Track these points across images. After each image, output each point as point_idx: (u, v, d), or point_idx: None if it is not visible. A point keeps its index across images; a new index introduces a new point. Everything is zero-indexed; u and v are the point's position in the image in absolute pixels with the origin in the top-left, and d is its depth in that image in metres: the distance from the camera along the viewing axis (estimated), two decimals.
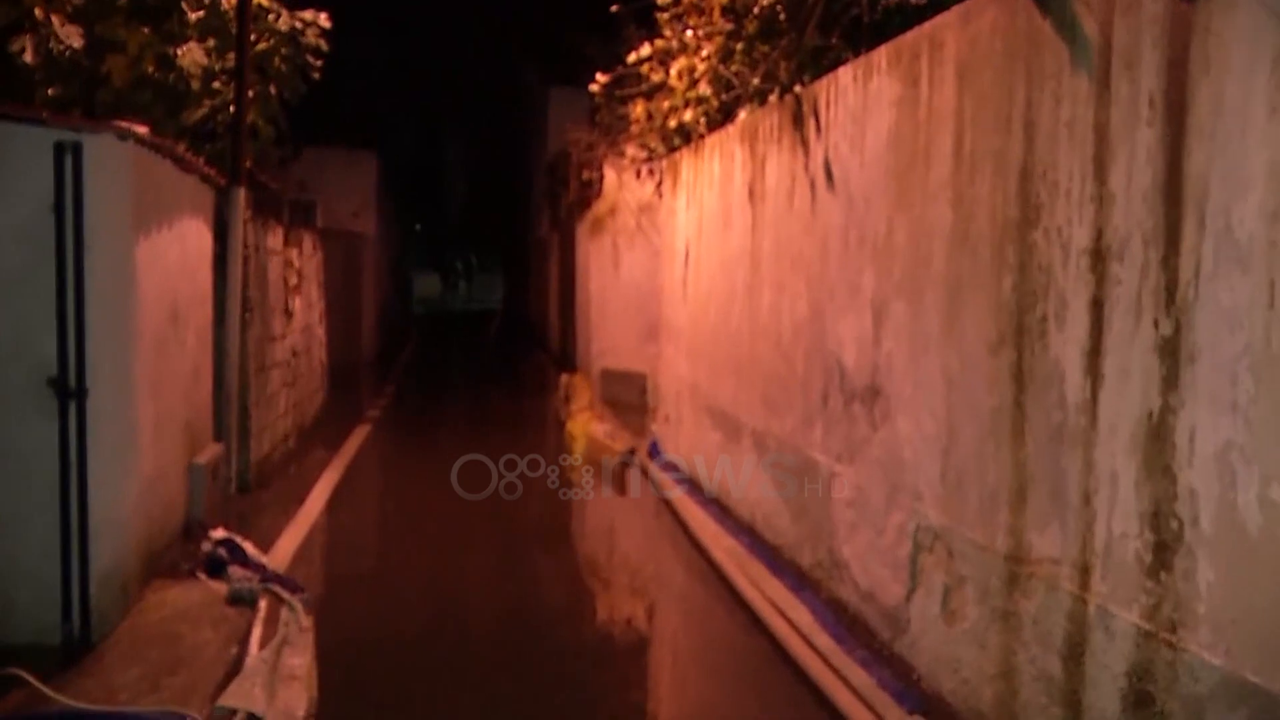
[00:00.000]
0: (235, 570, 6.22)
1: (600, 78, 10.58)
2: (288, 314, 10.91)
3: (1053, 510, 3.76)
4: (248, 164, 8.34)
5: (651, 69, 9.65)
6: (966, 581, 4.36)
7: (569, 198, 17.79)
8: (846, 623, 5.54)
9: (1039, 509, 3.85)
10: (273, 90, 8.84)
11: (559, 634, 6.24)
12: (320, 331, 13.76)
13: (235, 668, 4.92)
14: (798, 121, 6.52)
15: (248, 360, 8.58)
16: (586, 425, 12.10)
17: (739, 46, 7.82)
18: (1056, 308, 3.76)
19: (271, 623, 5.55)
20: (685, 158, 9.63)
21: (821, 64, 6.58)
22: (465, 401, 17.15)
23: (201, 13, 8.01)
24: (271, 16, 8.74)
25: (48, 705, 4.35)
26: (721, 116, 8.52)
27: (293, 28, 8.83)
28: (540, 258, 25.68)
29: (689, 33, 8.74)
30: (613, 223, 14.40)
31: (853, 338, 5.64)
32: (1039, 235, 3.88)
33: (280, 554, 6.97)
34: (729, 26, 7.97)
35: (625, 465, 10.52)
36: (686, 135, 9.40)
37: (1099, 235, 3.54)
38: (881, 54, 5.34)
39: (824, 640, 5.38)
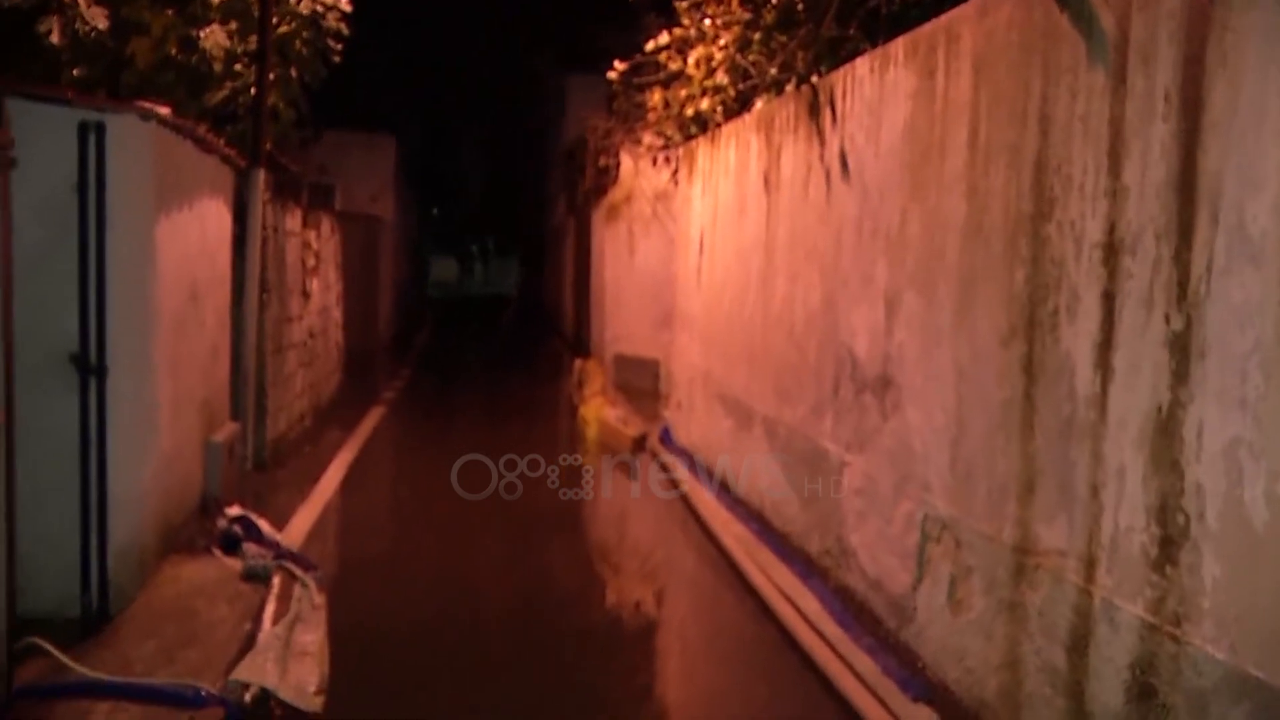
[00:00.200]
0: (250, 547, 6.29)
1: (618, 65, 10.60)
2: (305, 295, 10.98)
3: (1060, 502, 3.78)
4: (268, 146, 8.40)
5: (669, 57, 9.66)
6: (973, 572, 4.39)
7: (585, 184, 17.81)
8: (853, 610, 5.57)
9: (1047, 501, 3.87)
10: (293, 73, 8.89)
11: (569, 616, 6.29)
12: (337, 313, 13.84)
13: (249, 643, 4.98)
14: (814, 112, 6.53)
15: (265, 340, 8.65)
16: (599, 411, 12.15)
17: (757, 36, 7.84)
18: (1068, 301, 3.78)
19: (285, 599, 5.61)
20: (701, 146, 9.65)
21: (839, 55, 6.59)
22: (479, 385, 17.22)
23: None
24: (293, 0, 8.78)
25: (67, 675, 4.43)
26: (738, 105, 8.53)
27: (314, 11, 8.88)
28: (556, 243, 25.73)
29: (707, 22, 8.75)
30: (628, 210, 14.41)
31: (865, 328, 5.67)
32: (1052, 228, 3.89)
33: (294, 532, 7.06)
34: (747, 16, 7.98)
35: (637, 451, 10.57)
36: (703, 124, 9.42)
37: (1112, 229, 3.54)
38: (898, 46, 5.35)
39: (831, 627, 5.42)
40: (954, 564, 4.56)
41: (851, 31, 6.61)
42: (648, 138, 11.99)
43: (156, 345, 5.61)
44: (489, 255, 55.02)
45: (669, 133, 10.68)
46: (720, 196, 8.98)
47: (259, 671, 4.59)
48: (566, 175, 21.71)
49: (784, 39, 7.46)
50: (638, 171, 13.79)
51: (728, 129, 8.72)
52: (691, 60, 8.99)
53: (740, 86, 8.37)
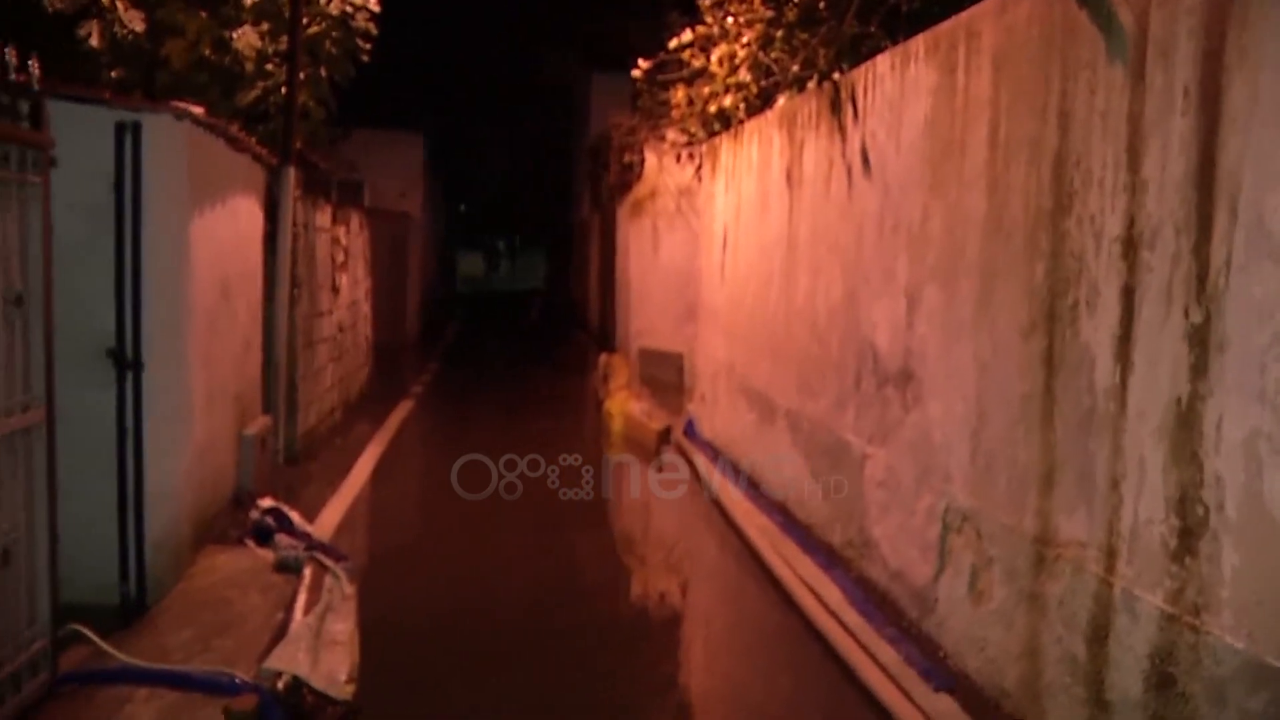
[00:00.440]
0: (282, 538, 6.39)
1: (642, 63, 10.66)
2: (335, 291, 11.09)
3: (1080, 494, 3.81)
4: (298, 144, 8.50)
5: (692, 55, 9.72)
6: (994, 563, 4.42)
7: (610, 180, 17.86)
8: (876, 601, 5.61)
9: (1067, 493, 3.90)
10: (323, 73, 8.99)
11: (595, 605, 6.36)
12: (366, 308, 13.95)
13: (281, 632, 5.07)
14: (835, 108, 6.57)
15: (296, 335, 8.75)
16: (624, 404, 12.21)
17: (779, 34, 7.87)
18: (1088, 295, 3.81)
19: (316, 589, 5.69)
20: (725, 143, 9.69)
21: (860, 52, 6.62)
22: (506, 379, 17.30)
23: None
24: (323, 1, 8.88)
25: (107, 661, 4.54)
26: (761, 102, 8.57)
27: (343, 12, 8.98)
28: (581, 239, 25.80)
29: (730, 19, 8.79)
30: (653, 205, 14.46)
31: (886, 322, 5.70)
32: (1072, 223, 3.92)
33: (325, 523, 7.15)
34: (769, 14, 8.01)
35: (662, 444, 10.64)
36: (726, 120, 9.46)
37: (1131, 224, 3.58)
38: (919, 42, 5.38)
39: (853, 618, 5.46)
40: (975, 555, 4.59)
41: (873, 29, 6.63)
42: (671, 134, 12.03)
43: (191, 340, 5.71)
44: (515, 251, 55.15)
45: (692, 129, 10.71)
46: (743, 192, 9.02)
47: (291, 660, 4.65)
48: (591, 172, 21.77)
49: (806, 36, 7.50)
50: (662, 168, 13.84)
51: (750, 126, 8.76)
52: (714, 58, 9.04)
53: (763, 83, 8.41)
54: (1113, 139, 3.68)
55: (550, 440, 11.43)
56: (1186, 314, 3.30)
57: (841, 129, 6.48)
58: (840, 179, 6.50)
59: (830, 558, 6.37)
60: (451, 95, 31.37)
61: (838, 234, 6.55)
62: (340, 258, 11.40)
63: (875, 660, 4.95)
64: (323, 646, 4.90)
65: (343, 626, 5.20)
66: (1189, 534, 3.26)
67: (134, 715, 4.17)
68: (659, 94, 11.35)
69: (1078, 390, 3.85)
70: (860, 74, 6.20)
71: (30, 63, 3.90)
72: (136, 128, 5.14)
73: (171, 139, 5.41)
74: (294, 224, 8.41)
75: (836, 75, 6.67)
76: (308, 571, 5.93)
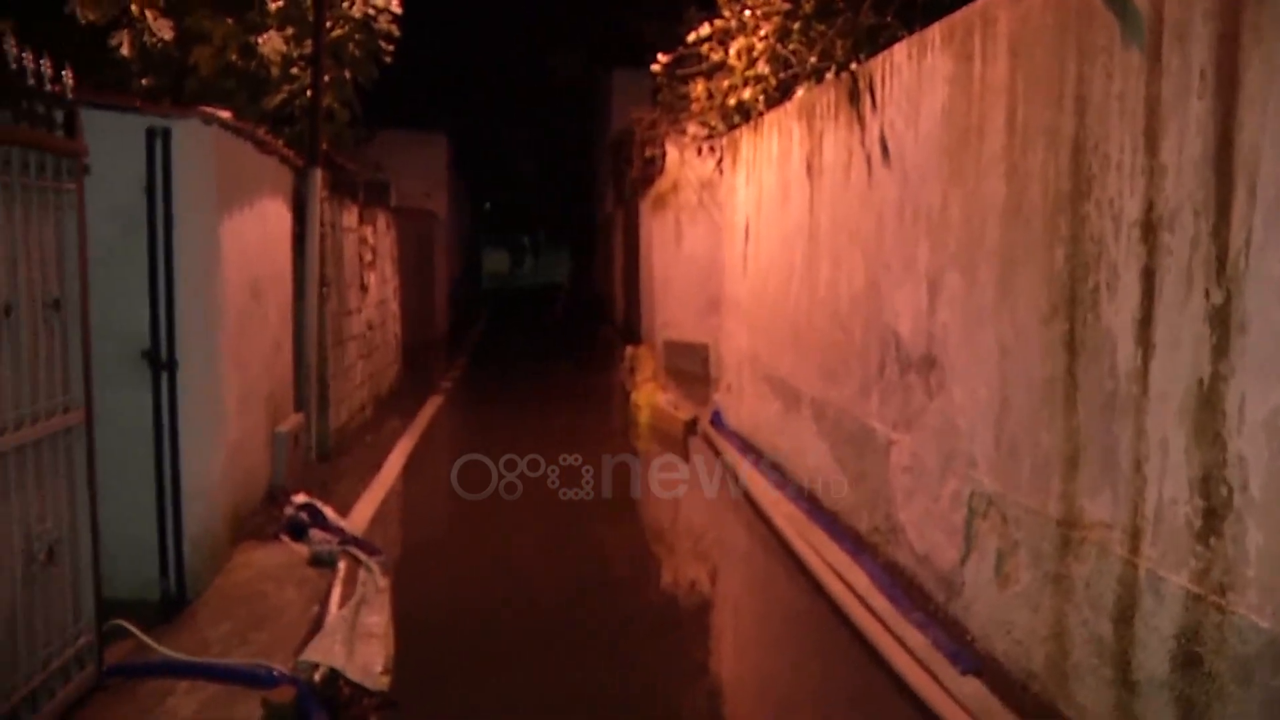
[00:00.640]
0: (316, 533, 6.48)
1: (661, 58, 10.72)
2: (363, 289, 11.19)
3: (1104, 476, 3.83)
4: (324, 146, 8.58)
5: (711, 49, 9.74)
6: (1020, 546, 4.45)
7: (632, 175, 17.92)
8: (903, 586, 5.65)
9: (1091, 475, 3.92)
10: (347, 75, 9.08)
11: (626, 593, 6.42)
12: (394, 306, 14.07)
13: (317, 625, 5.15)
14: (854, 99, 6.59)
15: (325, 334, 8.85)
16: (651, 395, 12.27)
17: (796, 25, 7.90)
18: (1108, 278, 3.82)
19: (350, 583, 5.77)
20: (745, 135, 9.72)
21: (877, 42, 6.64)
22: (534, 373, 17.39)
23: (281, 2, 8.28)
24: (346, 4, 8.97)
25: (150, 655, 4.65)
26: (780, 94, 8.60)
27: (366, 14, 9.06)
28: (605, 233, 25.86)
29: (747, 13, 8.81)
30: (675, 199, 14.52)
31: (908, 309, 5.73)
32: (1091, 207, 3.94)
33: (358, 518, 7.24)
34: (786, 6, 8.04)
35: (689, 434, 10.69)
36: (746, 113, 9.49)
37: (1150, 207, 3.59)
38: (935, 31, 5.39)
39: (881, 603, 5.50)
40: (1001, 538, 4.62)
41: (889, 19, 6.65)
42: (692, 128, 12.05)
43: (223, 340, 5.81)
44: (540, 247, 55.28)
45: (713, 123, 10.74)
46: (764, 184, 9.05)
47: (327, 652, 4.73)
48: (614, 167, 21.83)
49: (823, 28, 7.52)
50: (683, 161, 13.88)
51: (770, 118, 8.78)
52: (733, 51, 9.07)
53: (781, 75, 8.43)
54: (1130, 122, 3.69)
55: (578, 432, 11.52)
56: (1207, 295, 3.31)
57: (860, 119, 6.50)
58: (860, 168, 6.52)
59: (857, 543, 6.41)
60: (475, 94, 31.53)
61: (858, 223, 6.58)
62: (368, 257, 11.50)
63: (903, 644, 4.99)
64: (358, 639, 4.98)
65: (377, 619, 5.28)
66: (1213, 514, 3.28)
67: (176, 707, 4.26)
68: (679, 88, 11.37)
69: (1100, 373, 3.87)
70: (877, 64, 6.22)
71: (64, 73, 3.98)
72: (166, 133, 5.24)
73: (200, 143, 5.51)
74: (321, 224, 8.50)
75: (854, 66, 6.69)
76: (342, 565, 6.01)
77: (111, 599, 4.58)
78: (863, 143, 6.46)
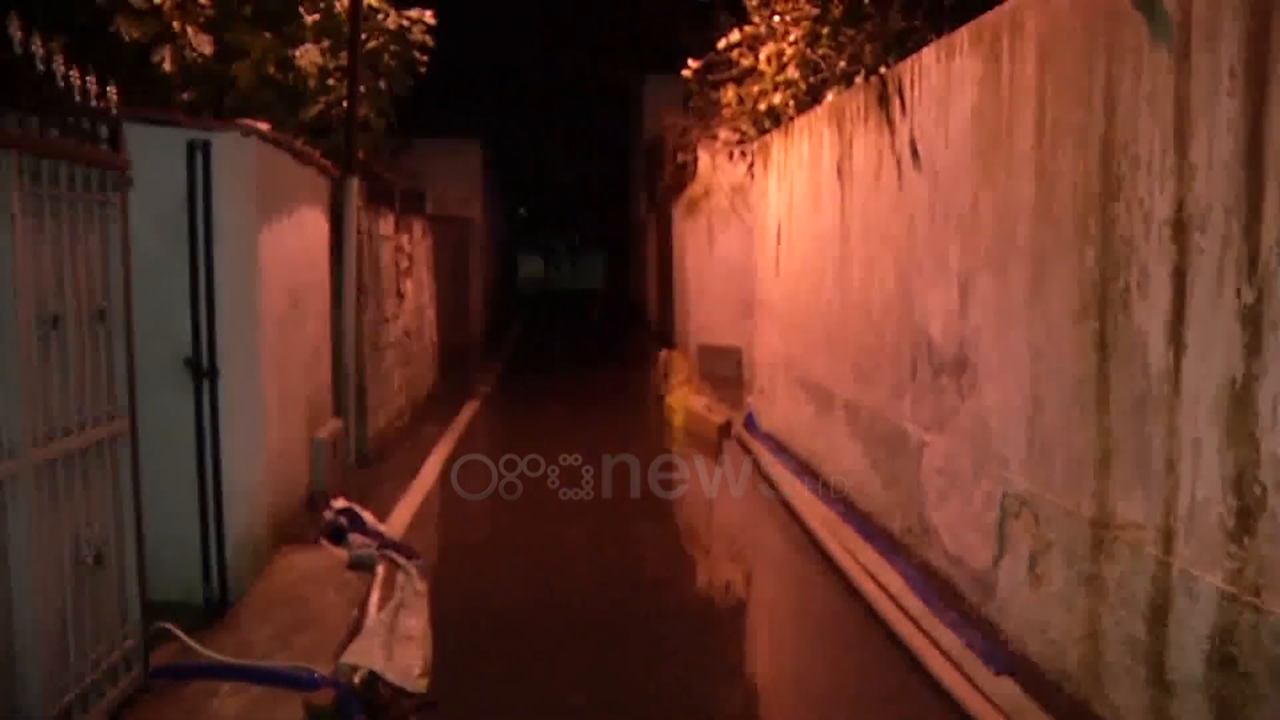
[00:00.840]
0: (355, 537, 6.54)
1: (692, 64, 10.78)
2: (400, 296, 11.30)
3: (1137, 476, 3.83)
4: (361, 155, 8.69)
5: (741, 54, 9.80)
6: (1053, 546, 4.45)
7: (665, 180, 17.98)
8: (936, 587, 5.65)
9: (1123, 475, 3.92)
10: (383, 85, 9.19)
11: (662, 598, 6.44)
12: (431, 313, 14.18)
13: (356, 628, 5.21)
14: (883, 102, 6.61)
15: (363, 340, 8.95)
16: (685, 399, 12.31)
17: (825, 30, 7.93)
18: (1139, 278, 3.82)
19: (389, 586, 5.83)
20: (776, 139, 9.75)
21: (905, 45, 6.66)
22: (569, 377, 17.47)
23: (317, 16, 8.40)
24: (381, 16, 9.09)
25: (194, 657, 4.74)
26: (810, 99, 8.63)
27: (400, 26, 9.17)
28: (639, 238, 25.93)
29: (776, 18, 8.85)
30: (707, 203, 14.57)
31: (940, 311, 5.73)
32: (1121, 207, 3.93)
33: (396, 522, 7.32)
34: (815, 11, 8.07)
35: (723, 437, 10.72)
36: (776, 118, 9.53)
37: (1180, 206, 3.59)
38: (963, 34, 5.40)
39: (914, 603, 5.50)
40: (1034, 539, 4.62)
41: (918, 22, 6.67)
42: (723, 133, 12.11)
43: (263, 347, 5.90)
44: (575, 252, 55.41)
45: (744, 128, 10.79)
46: (795, 187, 9.08)
47: (367, 655, 4.78)
48: (647, 172, 21.91)
49: (852, 32, 7.56)
50: (715, 166, 13.93)
51: (800, 122, 8.81)
52: (763, 56, 9.12)
53: (811, 80, 8.46)
54: (1160, 122, 3.69)
55: (613, 436, 11.55)
56: (1239, 294, 3.30)
57: (890, 122, 6.51)
58: (890, 171, 6.53)
59: (890, 545, 6.41)
60: (509, 102, 31.71)
61: (889, 225, 6.59)
62: (405, 264, 11.61)
63: (937, 645, 5.00)
64: (397, 641, 5.04)
65: (416, 622, 5.34)
66: (1247, 513, 3.27)
67: (220, 709, 4.34)
68: (710, 94, 11.42)
69: (1131, 373, 3.87)
70: (906, 67, 6.24)
71: (109, 89, 4.09)
72: (206, 146, 5.34)
73: (240, 155, 5.61)
74: (359, 232, 8.61)
75: (883, 69, 6.71)
76: (381, 569, 6.07)
77: (156, 602, 4.66)
78: (893, 145, 6.47)
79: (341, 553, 6.32)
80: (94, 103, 3.98)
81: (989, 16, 5.10)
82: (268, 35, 7.83)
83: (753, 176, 11.20)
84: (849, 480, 7.51)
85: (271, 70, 7.90)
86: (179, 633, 4.83)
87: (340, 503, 7.00)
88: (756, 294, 11.09)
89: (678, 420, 11.93)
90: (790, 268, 9.37)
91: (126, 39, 6.88)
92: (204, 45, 7.18)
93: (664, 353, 15.65)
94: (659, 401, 13.43)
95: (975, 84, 5.24)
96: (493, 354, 19.89)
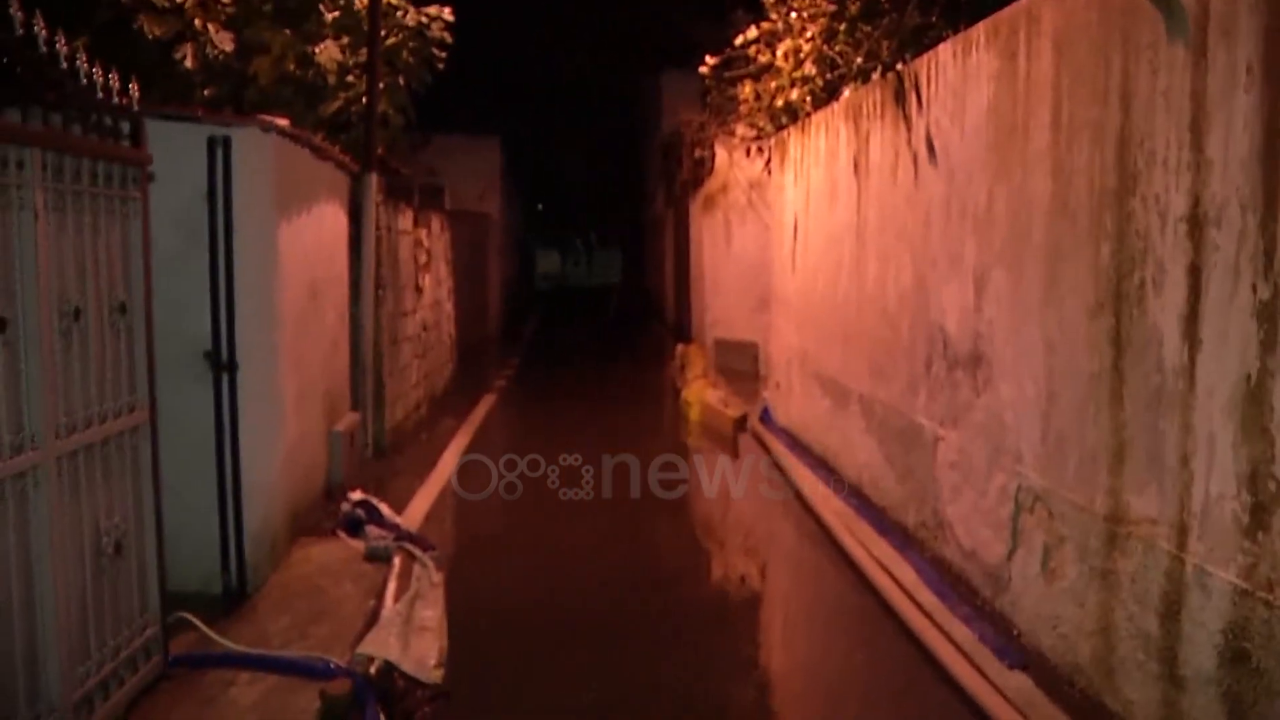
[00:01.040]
0: (372, 529, 6.59)
1: (709, 60, 10.79)
2: (418, 291, 11.35)
3: (1151, 472, 3.83)
4: (380, 151, 8.73)
5: (758, 51, 9.82)
6: (1066, 541, 4.45)
7: (682, 176, 17.99)
8: (949, 581, 5.66)
9: (1137, 471, 3.92)
10: (401, 82, 9.23)
11: (677, 589, 6.47)
12: (449, 307, 14.25)
13: (373, 619, 5.25)
14: (900, 98, 6.61)
15: (381, 334, 8.99)
16: (701, 393, 12.33)
17: (842, 27, 7.94)
18: (1154, 274, 3.82)
19: (405, 578, 5.88)
20: (792, 135, 9.76)
21: (922, 42, 6.67)
22: (586, 371, 17.50)
23: (337, 13, 8.44)
24: (400, 13, 9.12)
25: (213, 647, 4.79)
26: (826, 95, 8.64)
27: (419, 23, 9.20)
28: (656, 234, 25.93)
29: (793, 14, 8.86)
30: (724, 199, 14.59)
31: (955, 306, 5.73)
32: (1136, 203, 3.93)
33: (413, 514, 7.35)
34: (832, 8, 8.08)
35: (738, 431, 10.74)
36: (793, 114, 9.54)
37: (1196, 202, 3.58)
38: (980, 30, 5.40)
39: (928, 597, 5.51)
40: (1047, 534, 4.62)
41: (934, 19, 6.67)
42: (740, 129, 12.12)
43: (281, 341, 5.95)
44: (592, 247, 55.43)
45: (760, 124, 10.80)
46: (812, 183, 9.08)
47: (383, 646, 4.83)
48: (664, 168, 21.91)
49: (868, 29, 7.56)
50: (732, 162, 13.95)
51: (817, 118, 8.82)
52: (780, 53, 9.13)
53: (828, 76, 8.47)
54: (1176, 118, 3.69)
55: (629, 430, 11.59)
56: (1254, 290, 3.30)
57: (906, 118, 6.51)
58: (906, 167, 6.54)
59: (904, 539, 6.43)
60: (527, 98, 31.75)
61: (905, 221, 6.59)
62: (423, 259, 11.66)
63: (950, 639, 5.00)
64: (413, 632, 5.09)
65: (431, 613, 5.38)
66: (1261, 509, 3.27)
67: (238, 697, 4.39)
68: (727, 90, 11.44)
69: (1146, 369, 3.87)
70: (923, 63, 6.24)
71: (130, 86, 4.13)
72: (226, 141, 5.39)
73: (259, 151, 5.65)
74: (377, 227, 8.65)
75: (900, 66, 6.71)
76: (397, 561, 6.12)
77: (175, 592, 4.72)
78: (909, 141, 6.47)
79: (358, 544, 6.36)
80: (115, 100, 4.03)
81: (1005, 12, 5.10)
82: (288, 32, 7.88)
83: (769, 172, 11.20)
84: (864, 475, 7.53)
85: (291, 67, 7.95)
86: (197, 622, 4.89)
87: (357, 495, 7.05)
88: (773, 289, 11.10)
89: (693, 414, 11.95)
90: (806, 263, 9.38)
91: (149, 36, 6.95)
92: (225, 42, 7.25)
93: (680, 347, 15.67)
94: (675, 396, 13.44)
95: (992, 80, 5.24)
96: (510, 348, 19.95)
